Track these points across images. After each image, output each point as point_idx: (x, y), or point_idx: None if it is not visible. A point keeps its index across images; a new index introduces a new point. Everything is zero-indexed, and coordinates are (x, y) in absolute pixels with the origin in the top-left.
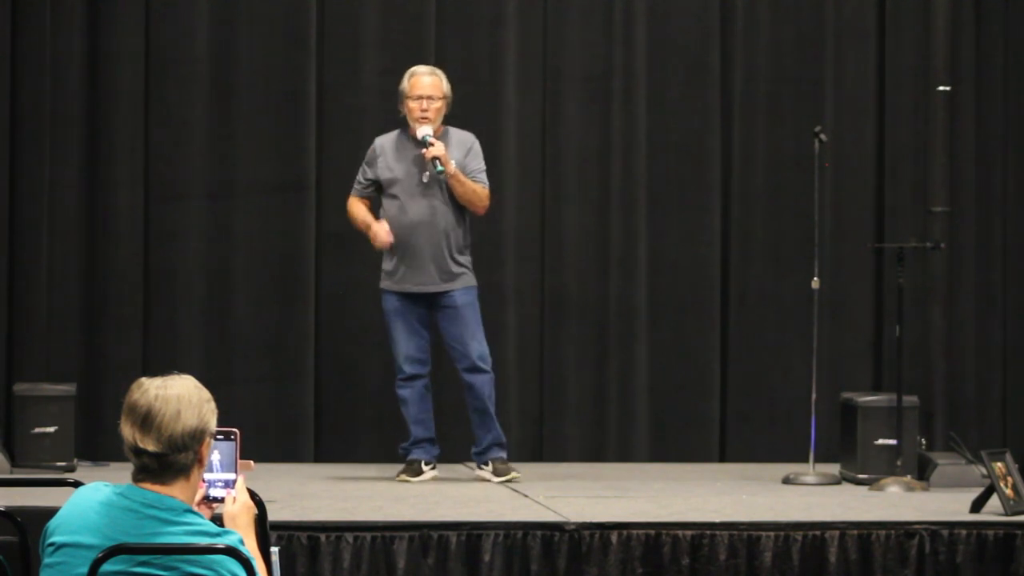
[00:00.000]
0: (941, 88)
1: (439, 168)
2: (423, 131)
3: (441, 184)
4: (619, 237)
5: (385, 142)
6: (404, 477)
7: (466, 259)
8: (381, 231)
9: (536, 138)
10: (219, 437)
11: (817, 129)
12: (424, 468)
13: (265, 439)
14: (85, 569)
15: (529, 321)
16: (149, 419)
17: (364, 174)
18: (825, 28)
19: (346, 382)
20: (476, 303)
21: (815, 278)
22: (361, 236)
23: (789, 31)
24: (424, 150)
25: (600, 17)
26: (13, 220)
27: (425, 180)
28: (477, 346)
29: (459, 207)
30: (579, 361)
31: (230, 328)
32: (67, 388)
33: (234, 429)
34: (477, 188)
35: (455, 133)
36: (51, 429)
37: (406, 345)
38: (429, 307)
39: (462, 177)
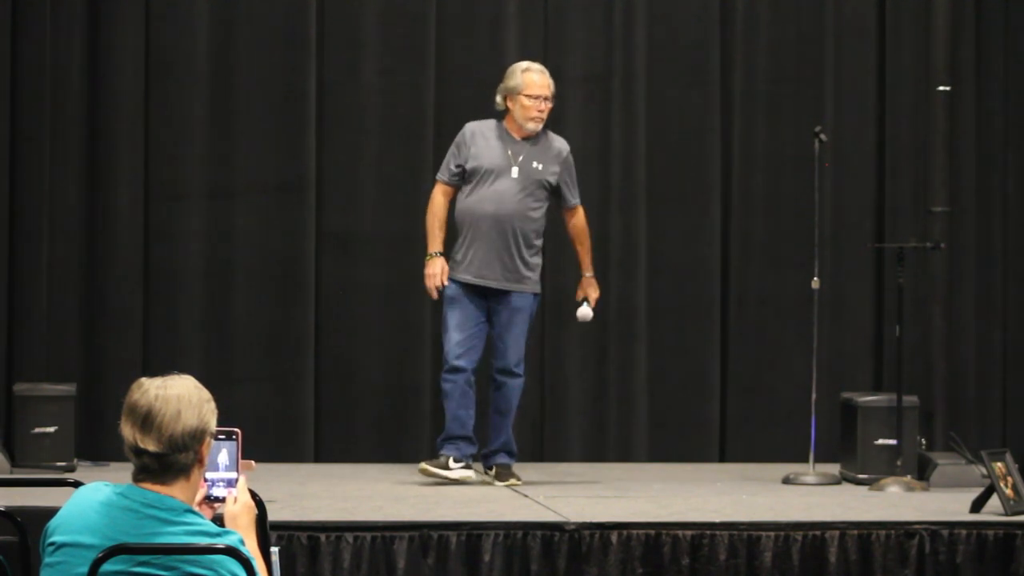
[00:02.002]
0: (941, 88)
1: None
2: (584, 313)
3: (530, 183)
4: (619, 237)
5: (476, 129)
6: (425, 466)
7: (536, 261)
8: (435, 278)
9: None
10: (221, 437)
11: (817, 129)
12: (452, 464)
13: (265, 439)
14: (85, 569)
15: None
16: (149, 419)
17: (454, 159)
18: (825, 28)
19: (346, 382)
20: (532, 310)
21: (815, 278)
22: (362, 236)
23: (789, 31)
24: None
25: (600, 17)
26: (13, 220)
27: (514, 175)
28: (517, 351)
29: (540, 208)
30: (580, 361)
31: (230, 328)
32: (67, 388)
33: (236, 429)
34: (587, 230)
35: (552, 137)
36: (51, 429)
37: (457, 336)
38: (490, 300)
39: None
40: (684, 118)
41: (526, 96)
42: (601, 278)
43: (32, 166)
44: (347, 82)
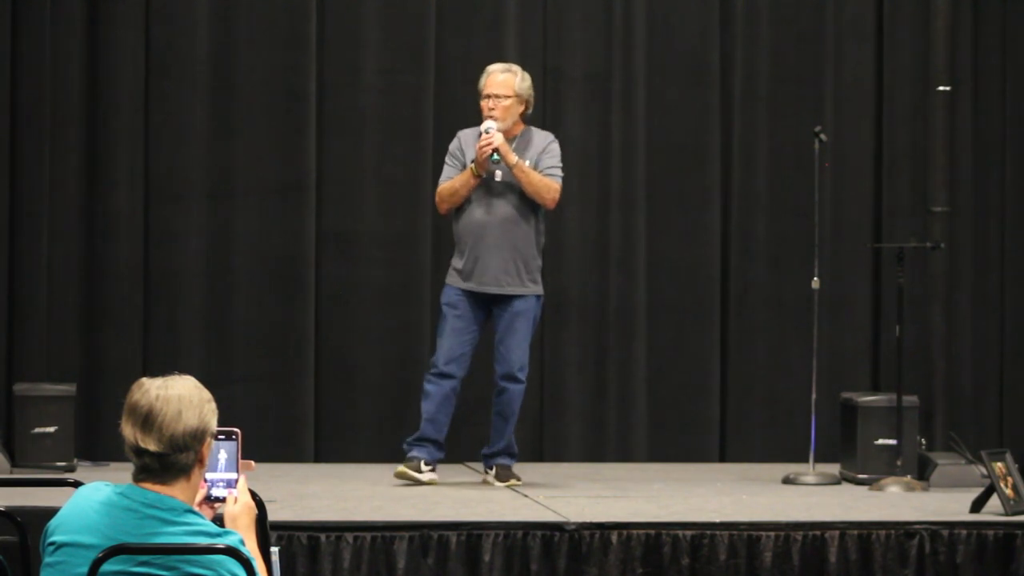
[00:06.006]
0: (941, 88)
1: (495, 158)
2: (486, 124)
3: (516, 184)
4: (619, 237)
5: (467, 136)
6: (404, 471)
7: (537, 264)
8: (486, 140)
9: None
10: (220, 437)
11: (817, 129)
12: (423, 468)
13: (265, 439)
14: (85, 569)
15: None
16: (150, 419)
17: (453, 168)
18: (825, 28)
19: (346, 382)
20: (535, 312)
21: (815, 278)
22: (362, 236)
23: (789, 31)
24: (479, 142)
25: (600, 17)
26: (13, 220)
27: (498, 178)
28: (520, 356)
29: (531, 208)
30: (579, 361)
31: (230, 328)
32: (67, 388)
33: (235, 429)
34: (544, 179)
35: (536, 133)
36: (51, 429)
37: (450, 343)
38: (490, 307)
39: (525, 167)
40: (684, 118)
41: (480, 97)
42: (601, 278)
43: (32, 166)
44: (347, 82)
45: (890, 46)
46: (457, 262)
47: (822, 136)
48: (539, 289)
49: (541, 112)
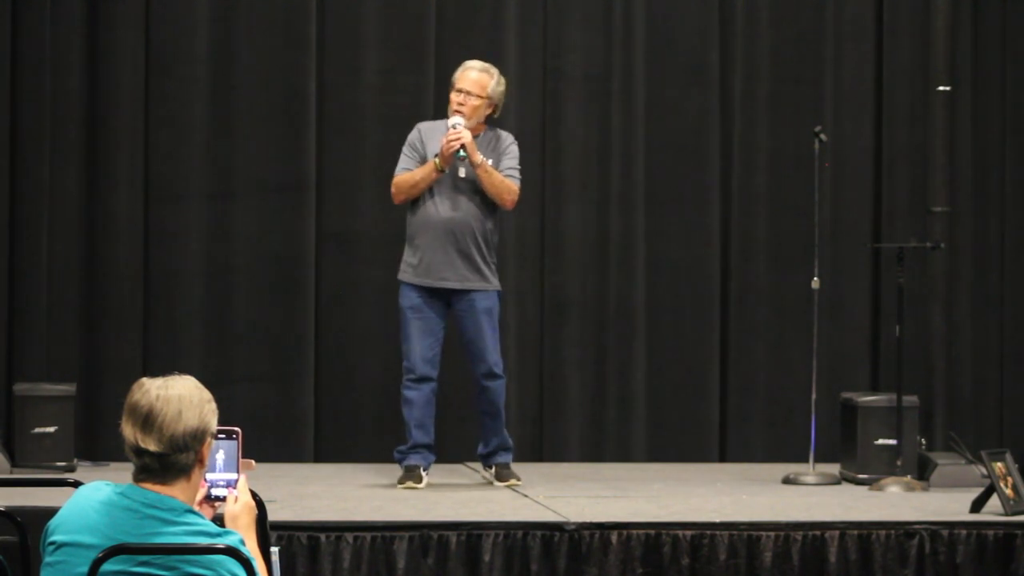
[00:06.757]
0: (941, 88)
1: (461, 154)
2: (454, 120)
3: (476, 180)
4: (619, 237)
5: (428, 129)
6: (411, 484)
7: (494, 260)
8: (451, 136)
9: (536, 138)
10: (221, 436)
11: (817, 129)
12: (422, 474)
13: (265, 439)
14: (85, 568)
15: (529, 321)
16: (150, 419)
17: (411, 160)
18: (825, 28)
19: (346, 382)
20: (498, 307)
21: (815, 278)
22: (362, 236)
23: (789, 31)
24: (446, 136)
25: (600, 17)
26: (13, 220)
27: (462, 175)
28: (495, 353)
29: (492, 207)
30: (579, 361)
31: (230, 328)
32: (67, 388)
33: (236, 428)
34: (505, 180)
35: (499, 134)
36: (51, 429)
37: (420, 345)
38: (448, 305)
39: (488, 167)
40: (684, 118)
41: (452, 89)
42: (601, 278)
43: (32, 166)
44: (347, 82)
45: (890, 46)
46: (412, 257)
47: (822, 136)
48: (497, 284)
49: (541, 112)
